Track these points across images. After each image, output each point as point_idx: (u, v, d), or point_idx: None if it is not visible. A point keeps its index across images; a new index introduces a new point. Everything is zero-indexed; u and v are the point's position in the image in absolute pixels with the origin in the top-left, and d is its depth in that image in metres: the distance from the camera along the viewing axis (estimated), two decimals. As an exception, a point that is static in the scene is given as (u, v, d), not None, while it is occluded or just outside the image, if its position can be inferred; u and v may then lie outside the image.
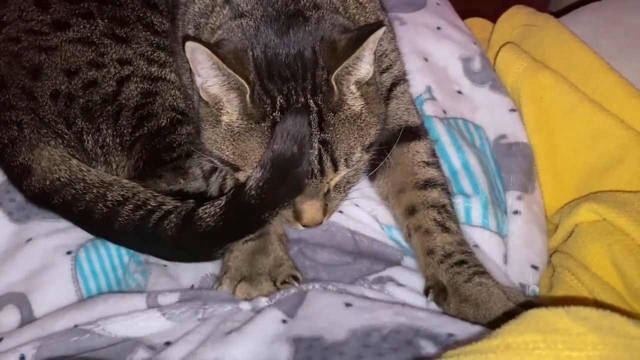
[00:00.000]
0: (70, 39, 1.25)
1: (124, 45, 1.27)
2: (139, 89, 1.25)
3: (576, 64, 1.35)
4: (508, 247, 1.18)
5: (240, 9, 1.09)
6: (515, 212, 1.21)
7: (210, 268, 1.12)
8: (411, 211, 1.13)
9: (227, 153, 1.03)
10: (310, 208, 1.04)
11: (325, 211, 1.06)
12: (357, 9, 1.18)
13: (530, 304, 1.00)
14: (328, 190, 1.06)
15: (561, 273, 1.11)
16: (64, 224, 1.19)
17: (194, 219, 1.04)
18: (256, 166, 1.00)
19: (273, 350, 0.85)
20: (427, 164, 1.18)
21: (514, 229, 1.19)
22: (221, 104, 1.03)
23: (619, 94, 1.27)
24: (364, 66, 1.03)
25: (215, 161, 1.08)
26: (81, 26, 1.27)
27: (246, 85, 0.98)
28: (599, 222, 1.13)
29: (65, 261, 1.14)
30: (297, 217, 1.05)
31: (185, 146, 1.26)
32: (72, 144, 1.22)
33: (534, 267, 1.15)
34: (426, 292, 1.06)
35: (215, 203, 1.04)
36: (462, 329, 0.86)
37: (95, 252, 1.15)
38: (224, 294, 1.03)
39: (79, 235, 1.17)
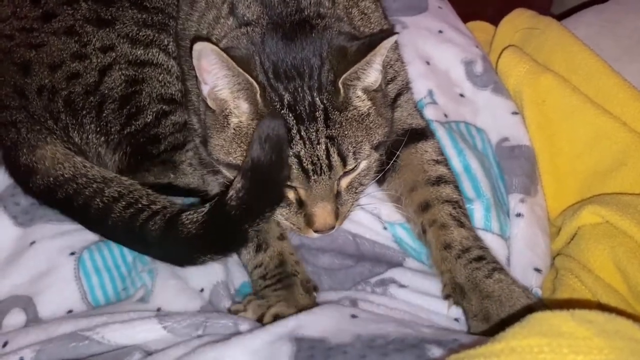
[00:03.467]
0: (55, 30, 1.24)
1: (107, 29, 1.25)
2: (122, 77, 1.23)
3: (578, 66, 1.35)
4: (511, 250, 1.17)
5: (245, 18, 1.09)
6: (518, 215, 1.21)
7: (221, 275, 1.12)
8: (425, 207, 1.13)
9: (235, 155, 1.04)
10: (322, 211, 1.02)
11: (337, 215, 1.05)
12: (362, 20, 1.19)
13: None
14: (339, 193, 1.05)
15: (564, 276, 1.11)
16: (67, 226, 1.20)
17: (177, 223, 1.04)
18: (237, 174, 1.01)
19: (274, 349, 0.84)
20: (437, 162, 1.19)
21: (516, 232, 1.19)
22: (229, 109, 1.03)
23: (621, 96, 1.27)
24: (372, 73, 1.03)
25: (222, 169, 1.08)
26: (65, 14, 1.25)
27: (256, 85, 0.98)
28: (602, 224, 1.13)
29: (69, 262, 1.15)
30: (309, 222, 1.04)
31: (172, 137, 1.26)
32: (64, 138, 1.22)
33: (537, 270, 1.15)
34: (445, 298, 1.05)
35: (198, 210, 1.05)
36: (467, 335, 0.85)
37: (98, 253, 1.16)
38: (227, 313, 1.01)
39: (82, 237, 1.18)
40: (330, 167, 1.01)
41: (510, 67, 1.40)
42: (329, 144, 1.00)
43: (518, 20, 1.55)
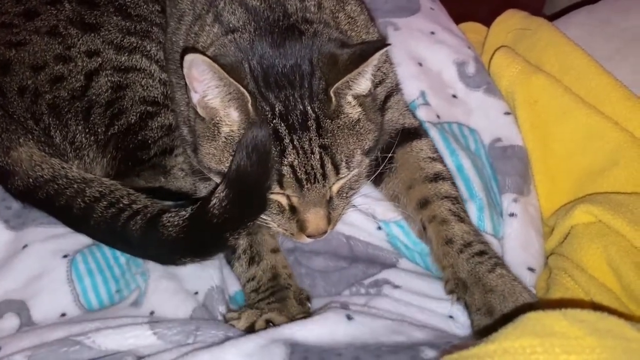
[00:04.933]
0: (38, 28, 1.23)
1: (92, 34, 1.24)
2: (109, 83, 1.23)
3: (570, 66, 1.35)
4: (504, 250, 1.17)
5: (231, 25, 1.09)
6: (511, 215, 1.21)
7: (217, 280, 1.12)
8: (424, 204, 1.13)
9: (226, 164, 1.03)
10: (314, 217, 1.03)
11: (330, 220, 1.05)
12: (349, 24, 1.19)
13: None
14: (331, 198, 1.05)
15: (558, 275, 1.11)
16: (60, 229, 1.19)
17: (157, 225, 1.04)
18: (220, 182, 1.01)
19: (268, 351, 0.85)
20: (433, 159, 1.19)
21: (510, 232, 1.19)
22: (219, 117, 1.03)
23: (612, 95, 1.28)
24: (364, 82, 1.04)
25: (213, 177, 1.08)
26: (48, 13, 1.24)
27: (247, 95, 0.98)
28: (594, 223, 1.13)
29: (62, 265, 1.14)
30: (302, 227, 1.04)
31: (161, 141, 1.25)
32: (42, 139, 1.21)
33: (531, 270, 1.15)
34: (449, 293, 1.05)
35: (180, 214, 1.05)
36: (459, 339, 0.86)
37: (91, 256, 1.16)
38: (219, 323, 1.01)
39: (75, 240, 1.18)
40: (324, 176, 1.01)
41: (502, 68, 1.41)
42: (323, 154, 1.00)
43: (510, 21, 1.56)
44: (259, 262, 1.11)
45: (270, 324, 0.99)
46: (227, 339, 0.94)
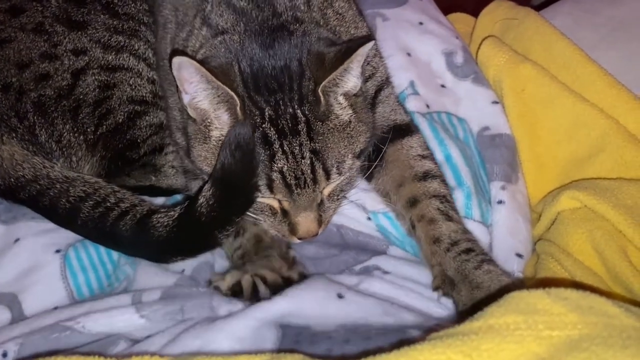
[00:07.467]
0: (23, 25, 1.22)
1: (79, 32, 1.23)
2: (96, 82, 1.22)
3: (556, 55, 1.37)
4: (493, 236, 1.19)
5: (219, 27, 1.09)
6: (500, 202, 1.22)
7: (207, 256, 1.12)
8: (413, 202, 1.14)
9: None
10: (305, 220, 1.04)
11: (320, 222, 1.06)
12: (337, 20, 1.19)
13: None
14: (322, 201, 1.06)
15: (545, 260, 1.12)
16: (51, 224, 1.19)
17: (147, 225, 1.05)
18: (207, 181, 1.01)
19: (260, 335, 0.85)
20: (423, 157, 1.20)
21: (498, 219, 1.20)
22: (209, 120, 1.03)
23: (598, 83, 1.29)
24: (351, 79, 1.04)
25: (206, 178, 1.08)
26: (34, 10, 1.24)
27: (236, 98, 0.98)
28: (580, 209, 1.15)
29: (54, 259, 1.15)
30: (292, 230, 1.05)
31: (151, 140, 1.25)
32: (26, 137, 1.20)
33: (519, 256, 1.16)
34: (435, 290, 1.06)
35: (169, 214, 1.05)
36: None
37: (84, 250, 1.16)
38: (203, 296, 1.01)
39: (67, 235, 1.18)
40: (314, 181, 1.01)
41: (489, 57, 1.42)
42: (314, 159, 1.00)
43: (497, 12, 1.57)
44: (243, 234, 1.12)
45: (257, 278, 0.99)
46: (213, 310, 0.95)
